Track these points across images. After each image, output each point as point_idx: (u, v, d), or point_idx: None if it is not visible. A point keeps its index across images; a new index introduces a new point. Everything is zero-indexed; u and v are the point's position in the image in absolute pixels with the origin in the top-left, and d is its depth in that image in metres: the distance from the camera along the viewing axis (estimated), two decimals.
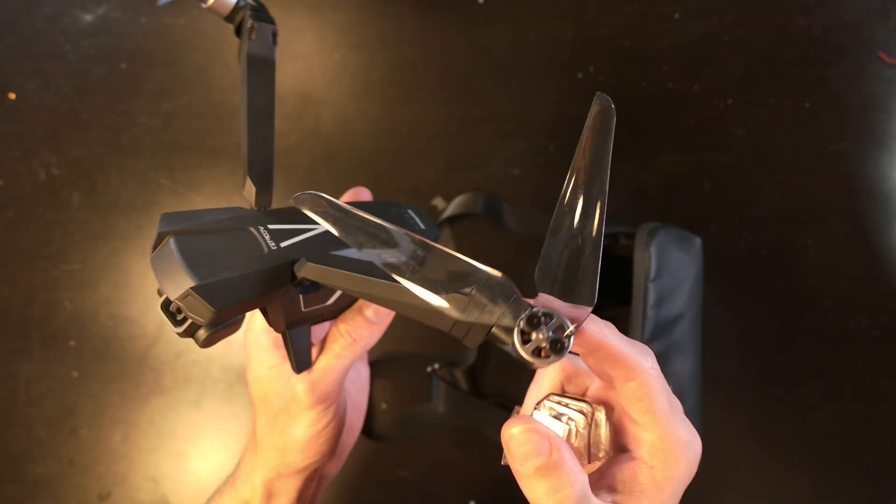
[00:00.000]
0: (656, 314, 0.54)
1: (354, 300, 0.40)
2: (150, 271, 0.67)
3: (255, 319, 0.42)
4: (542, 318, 0.25)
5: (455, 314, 0.26)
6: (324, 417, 0.41)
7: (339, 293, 0.37)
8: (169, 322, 0.30)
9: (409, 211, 0.44)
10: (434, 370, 0.66)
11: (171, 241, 0.29)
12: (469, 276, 0.26)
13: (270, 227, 0.33)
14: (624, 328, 0.62)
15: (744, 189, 0.69)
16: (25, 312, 0.67)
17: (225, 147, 0.68)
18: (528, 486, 0.26)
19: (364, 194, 0.46)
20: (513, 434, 0.25)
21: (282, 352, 0.40)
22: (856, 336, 0.68)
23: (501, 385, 0.68)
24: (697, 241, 0.59)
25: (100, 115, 0.68)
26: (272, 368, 0.41)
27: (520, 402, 0.37)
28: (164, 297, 0.29)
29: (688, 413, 0.56)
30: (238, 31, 0.34)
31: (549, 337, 0.24)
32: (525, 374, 0.35)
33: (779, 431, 0.68)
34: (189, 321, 0.30)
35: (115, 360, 0.66)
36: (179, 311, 0.29)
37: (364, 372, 0.59)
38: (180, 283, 0.28)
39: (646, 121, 0.70)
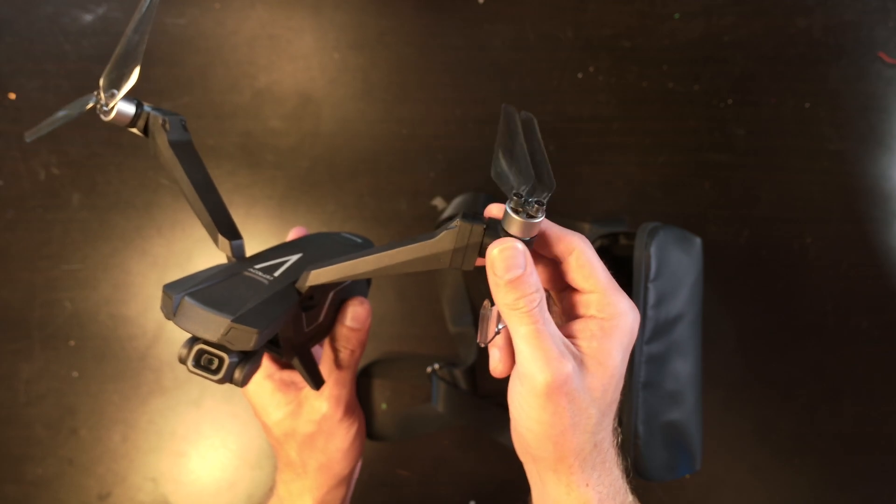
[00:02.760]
0: (656, 314, 0.54)
1: (337, 313, 0.44)
2: (151, 271, 0.67)
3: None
4: (524, 195, 0.31)
5: (449, 246, 0.32)
6: (354, 423, 0.46)
7: (326, 308, 0.42)
8: (203, 375, 0.34)
9: (342, 234, 0.49)
10: (434, 370, 0.66)
11: (188, 299, 0.33)
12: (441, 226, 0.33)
13: (257, 266, 0.38)
14: None
15: (744, 189, 0.70)
16: (25, 312, 0.67)
17: (225, 147, 0.68)
18: (503, 293, 0.32)
19: (301, 232, 0.50)
20: (498, 250, 0.31)
21: (290, 391, 0.44)
22: (856, 336, 0.68)
23: (501, 385, 0.67)
24: (697, 241, 0.59)
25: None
26: (288, 405, 0.44)
27: None
28: (193, 353, 0.34)
29: (688, 413, 0.56)
30: (146, 132, 0.37)
31: (534, 200, 0.30)
32: None
33: (779, 431, 0.68)
34: (226, 364, 0.34)
35: (115, 360, 0.66)
36: (211, 361, 0.34)
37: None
38: (218, 323, 0.32)
39: (646, 121, 0.70)
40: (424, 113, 0.69)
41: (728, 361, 0.68)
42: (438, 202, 0.69)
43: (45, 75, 0.68)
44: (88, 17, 0.69)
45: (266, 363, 0.45)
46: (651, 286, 0.53)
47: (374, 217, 0.68)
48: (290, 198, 0.69)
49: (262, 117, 0.69)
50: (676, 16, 0.71)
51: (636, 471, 0.54)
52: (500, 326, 0.36)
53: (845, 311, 0.69)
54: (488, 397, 0.67)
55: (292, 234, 0.50)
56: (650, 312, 0.54)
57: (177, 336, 0.66)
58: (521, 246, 0.31)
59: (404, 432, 0.67)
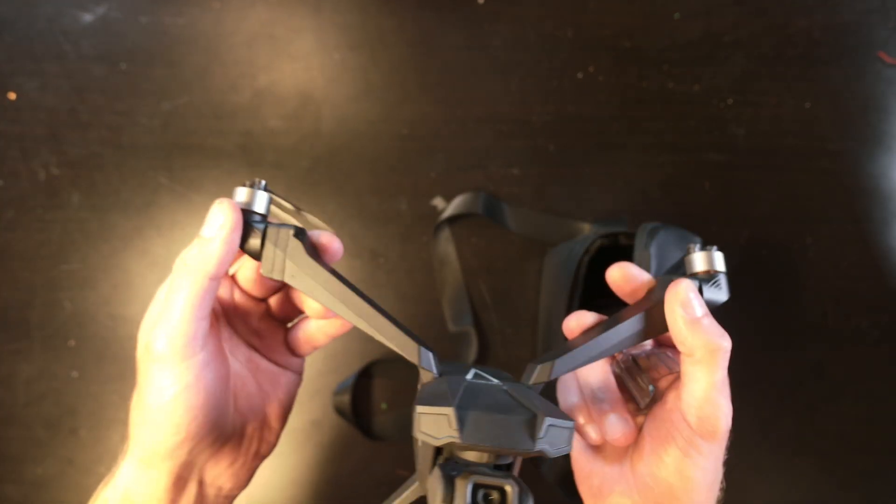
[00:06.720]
0: None
1: None
2: (150, 271, 0.67)
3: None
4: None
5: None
6: (185, 375, 0.30)
7: None
8: None
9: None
10: None
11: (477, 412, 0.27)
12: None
13: (469, 377, 0.33)
14: None
15: (744, 189, 0.69)
16: (25, 312, 0.67)
17: (225, 147, 0.68)
18: (700, 334, 0.34)
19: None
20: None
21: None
22: (856, 336, 0.68)
23: None
24: (697, 241, 0.59)
25: (100, 115, 0.68)
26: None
27: None
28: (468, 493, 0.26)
29: None
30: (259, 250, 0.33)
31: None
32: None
33: (779, 431, 0.68)
34: (512, 495, 0.27)
35: (115, 360, 0.66)
36: (489, 499, 0.27)
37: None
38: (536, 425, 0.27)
39: (646, 121, 0.70)
40: (424, 113, 0.69)
41: (728, 361, 0.68)
42: (438, 202, 0.69)
43: (45, 75, 0.68)
44: (88, 17, 0.69)
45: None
46: None
47: (374, 217, 0.68)
48: (290, 198, 0.68)
49: (262, 117, 0.69)
50: (676, 16, 0.71)
51: None
52: (652, 389, 0.37)
53: (845, 311, 0.68)
54: None
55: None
56: None
57: None
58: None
59: (404, 432, 0.67)
